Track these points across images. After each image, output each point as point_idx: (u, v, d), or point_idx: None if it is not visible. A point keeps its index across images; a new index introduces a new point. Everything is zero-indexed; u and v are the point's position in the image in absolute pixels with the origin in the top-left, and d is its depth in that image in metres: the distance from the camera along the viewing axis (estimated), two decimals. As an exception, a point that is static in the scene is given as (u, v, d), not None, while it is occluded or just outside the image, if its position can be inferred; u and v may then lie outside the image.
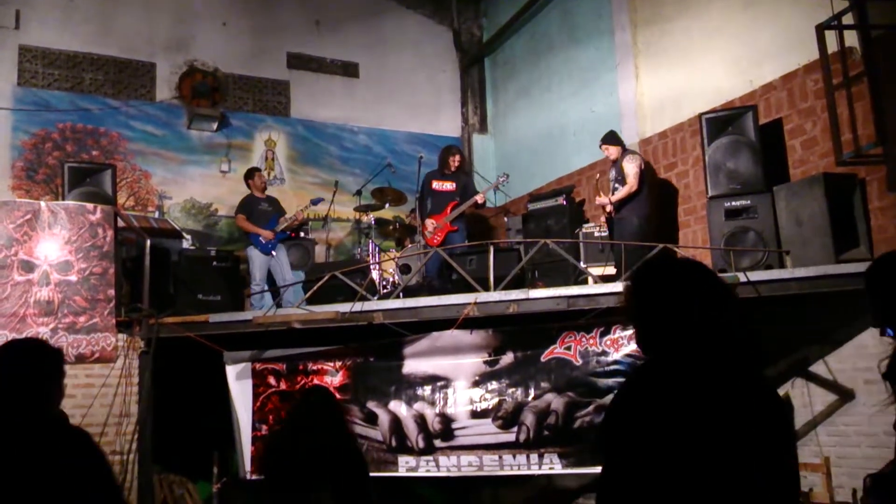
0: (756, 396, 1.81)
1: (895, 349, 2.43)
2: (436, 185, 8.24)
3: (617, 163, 7.60)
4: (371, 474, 6.36)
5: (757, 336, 1.88)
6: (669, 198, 8.17)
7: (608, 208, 7.47)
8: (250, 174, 8.82)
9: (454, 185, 8.32)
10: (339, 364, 6.64)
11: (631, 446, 1.77)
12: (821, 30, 6.13)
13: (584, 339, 6.06)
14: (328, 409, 3.94)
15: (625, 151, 7.65)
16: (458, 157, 8.43)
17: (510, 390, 6.19)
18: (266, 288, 8.20)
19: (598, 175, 8.14)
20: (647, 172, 7.63)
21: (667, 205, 8.13)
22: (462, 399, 6.30)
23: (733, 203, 6.56)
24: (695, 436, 1.71)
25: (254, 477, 6.54)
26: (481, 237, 10.08)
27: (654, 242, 6.57)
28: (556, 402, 6.04)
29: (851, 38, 6.16)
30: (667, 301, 1.88)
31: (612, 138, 7.76)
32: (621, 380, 5.69)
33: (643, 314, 1.93)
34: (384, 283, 7.85)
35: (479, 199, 8.23)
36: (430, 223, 8.08)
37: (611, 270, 7.28)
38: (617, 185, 7.51)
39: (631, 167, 7.42)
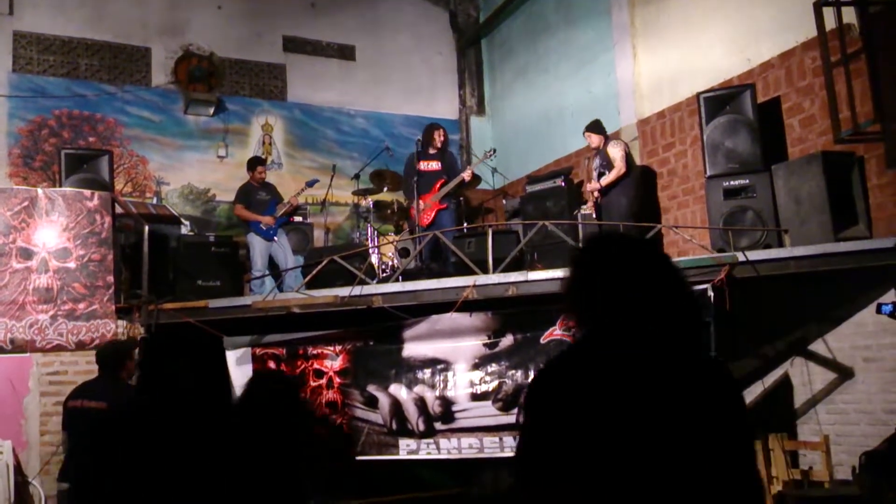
0: (708, 371, 1.77)
1: None
2: (422, 165, 8.17)
3: (601, 151, 7.79)
4: (371, 458, 6.45)
5: (701, 317, 1.84)
6: (650, 182, 8.25)
7: (595, 194, 7.66)
8: (252, 166, 8.73)
9: (440, 164, 8.28)
10: (338, 348, 6.65)
11: (573, 421, 1.67)
12: (819, 7, 6.10)
13: (583, 321, 6.06)
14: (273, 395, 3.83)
15: (607, 139, 7.85)
16: (442, 133, 8.40)
17: (510, 372, 6.21)
18: (267, 273, 8.20)
19: (587, 160, 8.21)
20: (629, 158, 7.73)
21: (649, 189, 8.20)
22: (462, 382, 6.32)
23: (732, 182, 6.55)
24: (647, 410, 1.65)
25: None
26: (479, 219, 10.07)
27: (646, 223, 6.58)
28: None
29: (849, 15, 6.12)
30: (609, 274, 1.81)
31: (596, 127, 7.93)
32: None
33: (584, 288, 1.85)
34: (383, 266, 7.85)
35: (465, 176, 8.21)
36: (420, 203, 8.06)
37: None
38: (604, 171, 7.67)
39: (616, 151, 7.60)
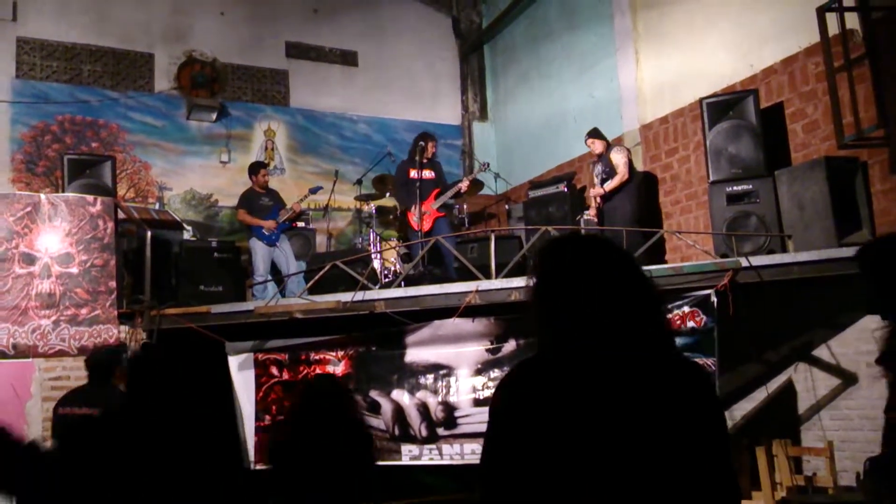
0: (678, 371, 1.72)
1: (890, 334, 2.35)
2: (413, 173, 8.10)
3: (603, 157, 7.81)
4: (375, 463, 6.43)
5: (665, 313, 1.80)
6: (652, 188, 8.28)
7: (598, 199, 7.70)
8: (255, 170, 8.73)
9: (433, 173, 8.26)
10: (341, 353, 6.64)
11: (537, 427, 1.63)
12: (822, 12, 6.10)
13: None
14: (334, 397, 3.89)
15: (609, 145, 7.88)
16: (434, 144, 8.38)
17: (512, 378, 6.18)
18: (269, 278, 8.20)
19: (590, 165, 8.22)
20: (630, 164, 7.76)
21: (651, 195, 8.24)
22: (464, 387, 6.30)
23: (735, 188, 6.55)
24: (614, 414, 1.61)
25: (258, 467, 6.56)
26: (481, 225, 10.06)
27: (648, 229, 6.58)
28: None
29: (852, 21, 6.12)
30: (574, 275, 1.75)
31: (597, 133, 7.96)
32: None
33: (544, 294, 1.79)
34: (385, 271, 7.84)
35: (463, 186, 8.21)
36: (419, 209, 8.04)
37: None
38: (606, 177, 7.70)
39: (620, 157, 7.64)
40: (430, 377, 6.39)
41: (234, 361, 6.74)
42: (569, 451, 1.61)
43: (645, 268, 1.87)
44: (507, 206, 9.86)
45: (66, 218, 6.65)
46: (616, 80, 9.00)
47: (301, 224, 9.24)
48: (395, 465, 6.39)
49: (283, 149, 10.76)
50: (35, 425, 6.29)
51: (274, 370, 6.72)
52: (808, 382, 6.31)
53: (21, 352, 6.31)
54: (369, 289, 6.58)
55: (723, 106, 6.77)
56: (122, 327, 6.69)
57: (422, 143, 8.20)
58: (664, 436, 1.61)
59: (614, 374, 1.66)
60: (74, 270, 6.60)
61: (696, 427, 1.65)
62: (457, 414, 6.28)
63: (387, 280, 7.54)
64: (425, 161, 8.17)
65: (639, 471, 1.58)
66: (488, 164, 8.88)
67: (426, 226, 8.00)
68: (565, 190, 8.54)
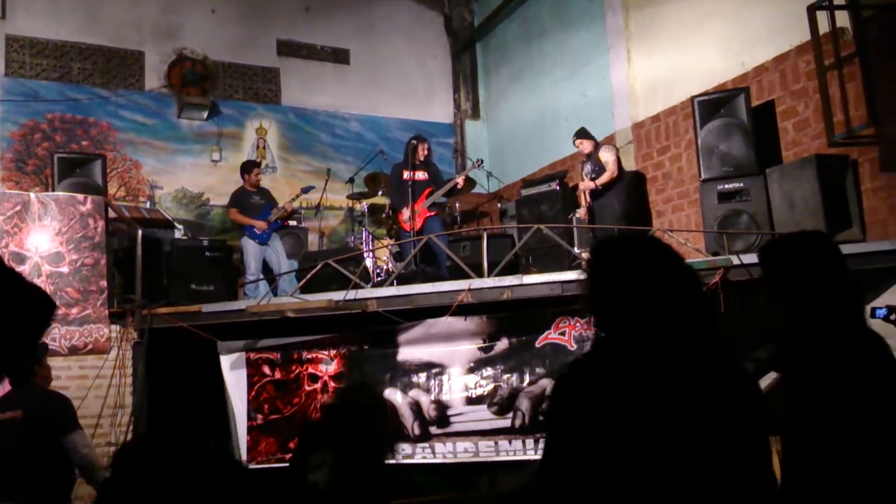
0: (727, 374, 1.77)
1: (782, 340, 2.38)
2: (406, 174, 8.12)
3: (592, 156, 7.82)
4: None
5: (716, 317, 1.86)
6: (641, 187, 8.31)
7: (587, 196, 7.73)
8: (248, 169, 8.69)
9: (426, 174, 8.26)
10: (333, 352, 6.63)
11: (595, 427, 1.68)
12: (812, 10, 6.12)
13: (578, 324, 6.06)
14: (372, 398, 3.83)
15: (598, 145, 7.89)
16: (426, 146, 8.39)
17: (505, 376, 6.19)
18: (261, 277, 8.18)
19: (581, 164, 8.24)
20: (619, 163, 7.80)
21: (640, 193, 8.27)
22: (457, 386, 6.30)
23: (726, 186, 6.56)
24: (670, 415, 1.66)
25: (251, 467, 6.54)
26: (473, 223, 10.06)
27: (639, 227, 6.59)
28: (551, 387, 6.03)
29: (843, 19, 6.14)
30: (629, 276, 1.81)
31: (585, 133, 7.96)
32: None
33: (604, 291, 1.85)
34: (378, 270, 7.83)
35: (459, 182, 8.21)
36: (407, 211, 8.05)
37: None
38: (595, 176, 7.71)
39: (609, 156, 7.67)
40: (423, 376, 6.39)
41: (226, 361, 6.72)
42: (621, 453, 1.66)
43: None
44: (499, 205, 9.85)
45: (56, 217, 6.61)
46: (608, 78, 9.02)
47: (293, 223, 9.22)
48: (387, 464, 6.38)
49: (275, 147, 10.74)
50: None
51: (266, 369, 6.71)
52: (798, 380, 6.32)
53: (11, 351, 6.27)
54: (361, 287, 6.56)
55: (714, 104, 6.79)
56: (113, 326, 6.67)
57: (413, 142, 8.22)
58: (712, 437, 1.67)
59: (667, 374, 1.70)
60: (65, 270, 6.56)
61: (744, 431, 1.71)
62: (449, 412, 6.28)
63: (379, 279, 7.53)
64: (418, 162, 8.19)
65: (687, 470, 1.64)
66: (482, 161, 8.88)
67: (416, 225, 8.01)
68: (557, 188, 8.54)
